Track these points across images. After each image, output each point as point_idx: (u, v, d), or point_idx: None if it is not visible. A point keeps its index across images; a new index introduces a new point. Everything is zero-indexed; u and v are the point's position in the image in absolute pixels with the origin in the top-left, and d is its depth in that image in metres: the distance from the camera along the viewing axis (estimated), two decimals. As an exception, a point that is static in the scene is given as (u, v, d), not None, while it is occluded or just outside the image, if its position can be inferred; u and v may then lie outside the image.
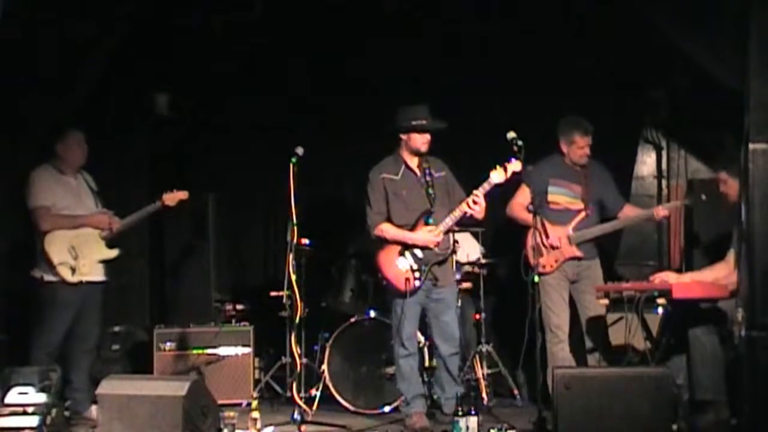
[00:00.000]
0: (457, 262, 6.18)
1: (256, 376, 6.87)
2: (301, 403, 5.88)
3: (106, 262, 6.18)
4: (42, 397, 5.41)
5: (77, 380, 6.03)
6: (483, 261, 6.72)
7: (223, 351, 6.78)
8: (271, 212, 7.59)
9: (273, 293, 6.58)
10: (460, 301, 6.28)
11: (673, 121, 7.36)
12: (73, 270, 5.97)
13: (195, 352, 6.79)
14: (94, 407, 5.55)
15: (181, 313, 7.15)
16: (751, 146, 4.50)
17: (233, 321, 6.99)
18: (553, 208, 6.12)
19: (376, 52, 7.23)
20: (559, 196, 6.13)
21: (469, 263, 6.73)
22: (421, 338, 6.19)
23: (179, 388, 5.01)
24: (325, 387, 6.40)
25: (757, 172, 4.50)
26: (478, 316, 6.68)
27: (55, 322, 5.94)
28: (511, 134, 5.63)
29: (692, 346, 5.29)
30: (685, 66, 6.44)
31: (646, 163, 7.56)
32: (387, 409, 6.28)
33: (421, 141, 5.82)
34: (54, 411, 5.46)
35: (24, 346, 5.91)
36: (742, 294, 4.60)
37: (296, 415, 5.66)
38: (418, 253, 5.78)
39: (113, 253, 6.19)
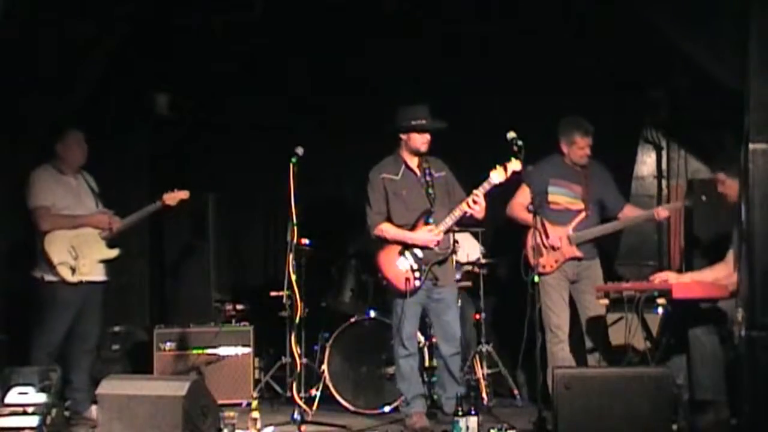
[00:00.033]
0: (457, 262, 6.18)
1: (256, 376, 6.87)
2: (301, 403, 5.88)
3: (107, 262, 6.18)
4: (42, 397, 5.41)
5: (77, 380, 6.03)
6: (483, 261, 6.73)
7: (223, 351, 6.78)
8: (271, 212, 7.59)
9: (273, 293, 6.57)
10: (460, 301, 6.28)
11: (673, 121, 7.36)
12: (73, 270, 5.97)
13: (195, 352, 6.79)
14: (94, 407, 5.55)
15: (181, 313, 7.15)
16: (751, 146, 4.50)
17: (233, 321, 6.99)
18: (553, 209, 6.12)
19: (376, 52, 7.23)
20: (560, 197, 6.14)
21: (469, 263, 6.73)
22: (421, 338, 6.19)
23: (179, 388, 5.00)
24: (325, 387, 6.40)
25: (757, 172, 4.50)
26: (478, 316, 6.68)
27: (56, 322, 5.94)
28: (511, 134, 5.63)
29: (692, 346, 5.29)
30: (685, 66, 6.44)
31: (646, 163, 7.56)
32: (387, 409, 6.28)
33: (421, 141, 5.82)
34: (54, 411, 5.46)
35: (24, 346, 5.91)
36: (742, 294, 4.61)
37: (296, 415, 5.66)
38: (418, 252, 5.78)
39: (113, 252, 6.19)
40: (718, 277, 5.40)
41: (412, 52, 7.13)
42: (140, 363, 6.83)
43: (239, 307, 7.16)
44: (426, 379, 6.20)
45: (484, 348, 6.58)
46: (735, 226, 5.14)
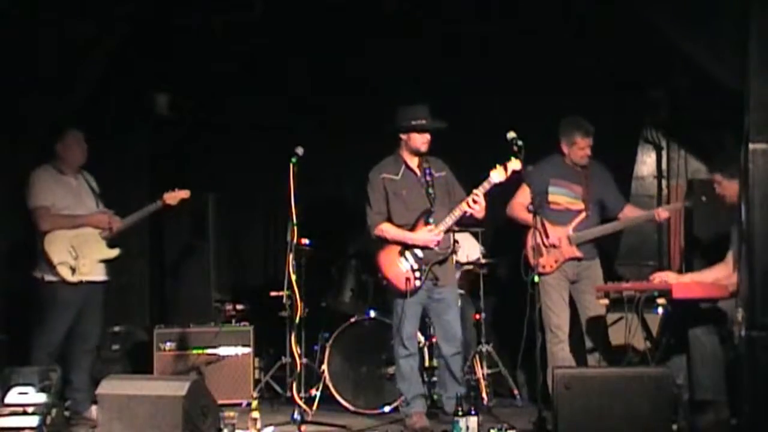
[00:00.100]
0: (457, 262, 6.18)
1: (256, 376, 6.87)
2: (301, 403, 5.88)
3: (107, 262, 6.18)
4: (42, 397, 5.42)
5: (77, 380, 6.02)
6: (483, 261, 6.73)
7: (223, 351, 6.78)
8: (271, 212, 7.60)
9: (273, 293, 6.57)
10: (459, 301, 6.27)
11: (673, 121, 7.36)
12: (73, 270, 5.97)
13: (195, 352, 6.79)
14: (94, 407, 5.55)
15: (181, 313, 7.16)
16: (751, 146, 4.50)
17: (233, 321, 6.99)
18: (553, 209, 6.11)
19: (376, 52, 7.23)
20: (560, 197, 6.13)
21: (469, 263, 6.73)
22: (422, 338, 6.19)
23: (179, 388, 5.00)
24: (325, 387, 6.40)
25: (757, 172, 4.49)
26: (478, 316, 6.68)
27: (56, 321, 5.94)
28: (511, 134, 5.63)
29: (692, 346, 5.28)
30: (685, 66, 6.44)
31: (646, 163, 7.56)
32: (387, 409, 6.27)
33: (421, 141, 5.82)
34: (54, 411, 5.46)
35: (24, 346, 5.91)
36: (742, 294, 4.60)
37: (296, 415, 5.66)
38: (419, 252, 5.77)
39: (113, 252, 6.19)
40: (718, 277, 5.41)
41: (412, 52, 7.13)
42: (140, 363, 6.83)
43: (239, 307, 7.17)
44: (426, 379, 6.20)
45: (484, 348, 6.58)
46: (735, 226, 5.15)
